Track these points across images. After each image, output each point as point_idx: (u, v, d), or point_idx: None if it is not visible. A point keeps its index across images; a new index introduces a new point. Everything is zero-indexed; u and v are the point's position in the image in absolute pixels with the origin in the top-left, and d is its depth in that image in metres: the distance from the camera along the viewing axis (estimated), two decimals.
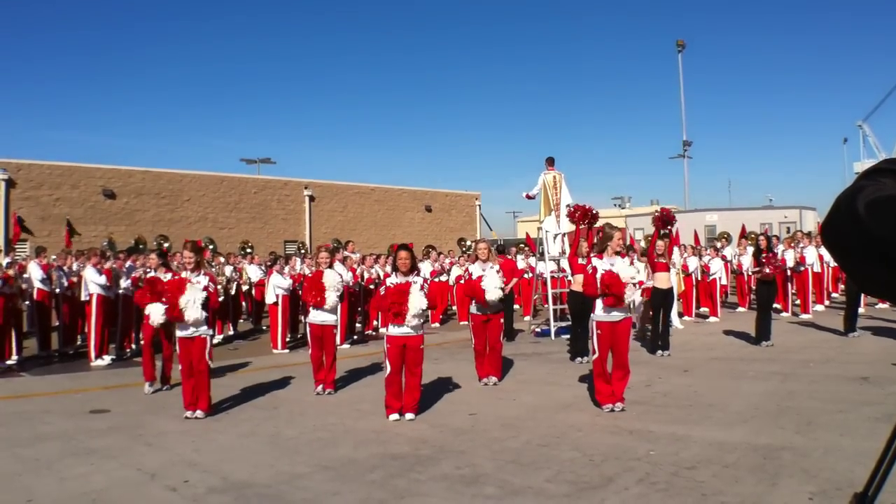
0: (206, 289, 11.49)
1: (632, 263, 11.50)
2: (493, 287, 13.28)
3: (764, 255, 17.67)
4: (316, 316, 13.18)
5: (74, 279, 18.86)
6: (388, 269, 14.17)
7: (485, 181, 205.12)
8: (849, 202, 1.59)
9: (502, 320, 13.97)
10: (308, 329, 13.57)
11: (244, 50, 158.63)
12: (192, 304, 11.30)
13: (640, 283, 12.00)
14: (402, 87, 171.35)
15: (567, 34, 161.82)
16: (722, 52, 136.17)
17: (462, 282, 15.73)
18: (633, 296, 11.22)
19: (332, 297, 13.03)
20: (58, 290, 18.84)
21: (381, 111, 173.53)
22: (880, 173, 1.64)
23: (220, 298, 11.54)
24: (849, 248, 1.61)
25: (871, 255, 1.53)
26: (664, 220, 17.64)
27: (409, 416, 10.90)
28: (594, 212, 17.97)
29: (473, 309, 13.78)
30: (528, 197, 21.66)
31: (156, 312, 11.98)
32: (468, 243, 31.08)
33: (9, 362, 16.84)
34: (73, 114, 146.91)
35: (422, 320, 11.09)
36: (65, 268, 19.28)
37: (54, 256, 20.36)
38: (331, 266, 13.65)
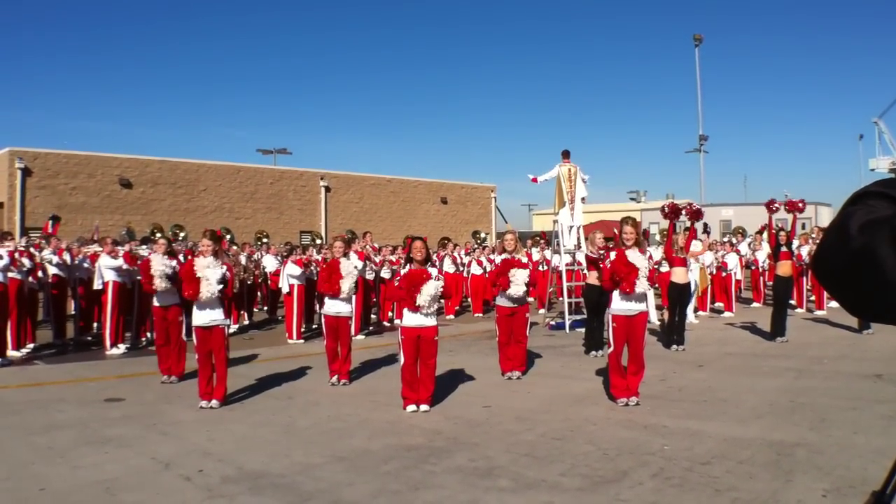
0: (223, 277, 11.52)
1: (649, 257, 11.49)
2: (520, 279, 13.28)
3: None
4: (331, 307, 13.19)
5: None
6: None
7: (500, 174, 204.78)
8: (840, 228, 1.59)
9: (528, 314, 13.88)
10: (323, 320, 13.59)
11: (261, 41, 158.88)
12: (209, 280, 11.32)
13: (651, 272, 11.88)
14: (419, 80, 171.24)
15: (584, 28, 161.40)
16: (739, 48, 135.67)
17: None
18: (644, 286, 11.16)
19: (346, 284, 13.05)
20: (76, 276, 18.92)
21: (398, 103, 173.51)
22: (868, 196, 1.64)
23: (234, 290, 11.54)
24: (840, 273, 1.61)
25: (866, 277, 1.52)
26: (694, 214, 17.54)
27: (423, 407, 10.90)
28: (696, 208, 17.83)
29: (499, 301, 13.70)
30: (534, 180, 21.58)
31: (157, 262, 12.04)
32: (483, 235, 31.06)
33: (24, 350, 16.88)
34: (90, 104, 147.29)
35: (435, 307, 11.07)
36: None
37: (75, 243, 20.43)
38: (346, 256, 13.66)
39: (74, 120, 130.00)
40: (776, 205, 18.47)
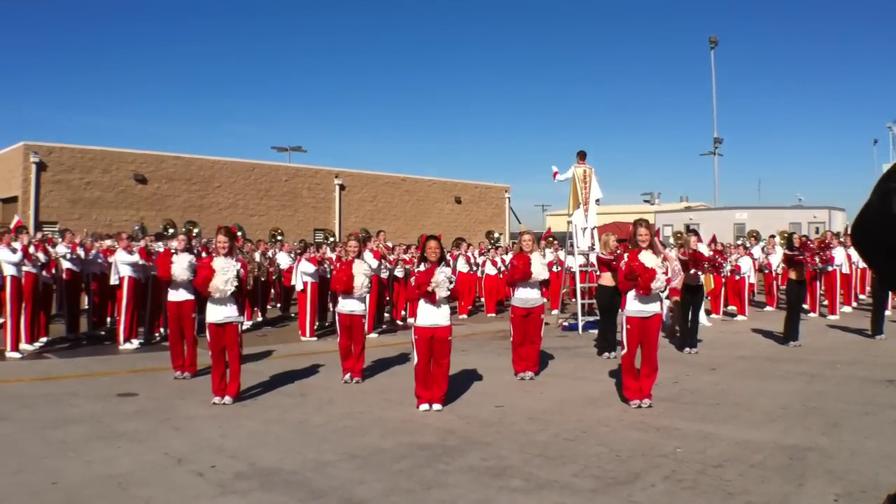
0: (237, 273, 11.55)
1: (664, 258, 11.46)
2: (539, 276, 13.31)
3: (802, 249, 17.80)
4: (345, 305, 13.23)
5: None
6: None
7: (514, 174, 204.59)
8: (882, 203, 1.61)
9: (542, 315, 13.85)
10: (337, 318, 13.62)
11: (277, 40, 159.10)
12: (224, 278, 11.36)
13: (668, 280, 11.89)
14: (434, 80, 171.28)
15: (599, 30, 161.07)
16: (754, 50, 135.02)
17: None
18: (660, 283, 11.15)
19: (360, 280, 13.06)
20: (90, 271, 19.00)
21: (413, 102, 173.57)
22: None
23: (248, 287, 11.57)
24: (881, 246, 1.63)
25: None
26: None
27: (436, 406, 10.92)
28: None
29: (514, 301, 13.70)
30: (555, 174, 21.55)
31: (179, 265, 12.06)
32: (496, 236, 31.08)
33: (37, 344, 16.95)
34: (106, 100, 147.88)
35: (447, 292, 11.02)
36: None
37: (90, 238, 20.51)
38: (359, 255, 13.69)
39: (90, 116, 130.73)
40: None
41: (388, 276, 21.56)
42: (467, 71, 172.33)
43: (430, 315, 10.99)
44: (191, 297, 13.25)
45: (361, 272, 13.13)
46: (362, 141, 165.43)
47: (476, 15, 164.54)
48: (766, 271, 26.62)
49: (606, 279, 15.62)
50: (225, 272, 11.35)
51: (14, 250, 15.65)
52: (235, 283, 11.46)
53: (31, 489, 7.38)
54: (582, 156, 21.14)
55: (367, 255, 15.76)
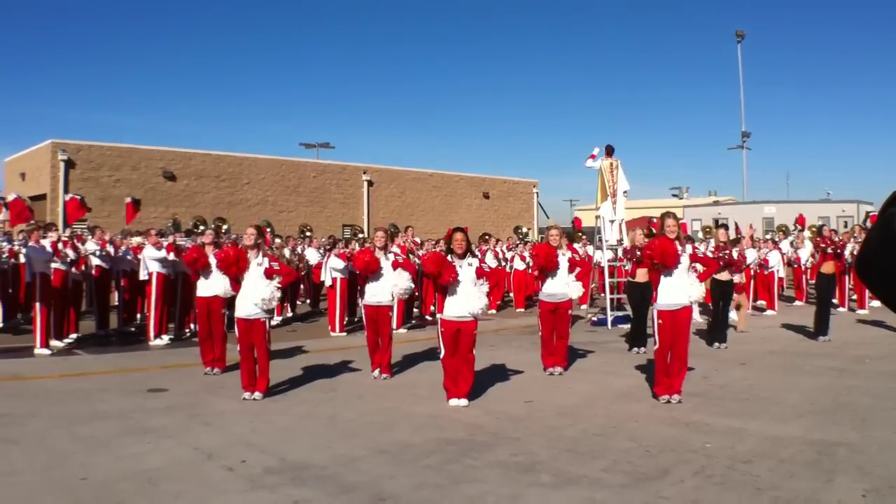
0: (270, 269, 11.62)
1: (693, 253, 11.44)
2: (561, 274, 13.32)
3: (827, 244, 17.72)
4: (371, 297, 13.27)
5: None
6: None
7: (542, 169, 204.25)
8: (884, 229, 1.62)
9: (570, 310, 13.86)
10: (363, 310, 13.65)
11: (304, 36, 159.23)
12: (259, 284, 11.46)
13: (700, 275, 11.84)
14: (461, 74, 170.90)
15: (627, 23, 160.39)
16: (782, 43, 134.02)
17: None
18: (690, 276, 11.12)
19: (404, 286, 13.13)
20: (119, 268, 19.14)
21: (440, 98, 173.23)
22: None
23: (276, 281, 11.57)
24: (886, 274, 1.64)
25: None
26: None
27: (462, 402, 10.92)
28: None
29: (542, 296, 13.67)
30: (592, 157, 21.50)
31: (218, 284, 12.09)
32: (525, 230, 31.04)
33: (67, 340, 17.07)
34: (133, 98, 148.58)
35: (483, 304, 11.10)
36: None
37: (118, 235, 20.69)
38: (385, 248, 13.72)
39: (117, 115, 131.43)
40: None
41: (417, 272, 21.58)
42: (495, 66, 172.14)
43: (456, 307, 11.01)
44: (220, 292, 13.32)
45: (405, 281, 13.18)
46: (390, 137, 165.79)
47: (504, 9, 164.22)
48: (796, 266, 26.50)
49: (641, 276, 15.58)
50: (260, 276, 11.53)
51: (43, 248, 15.76)
52: (276, 281, 11.60)
53: (60, 485, 7.43)
54: (610, 151, 21.12)
55: (395, 249, 15.72)
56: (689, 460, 8.03)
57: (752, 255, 23.50)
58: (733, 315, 20.02)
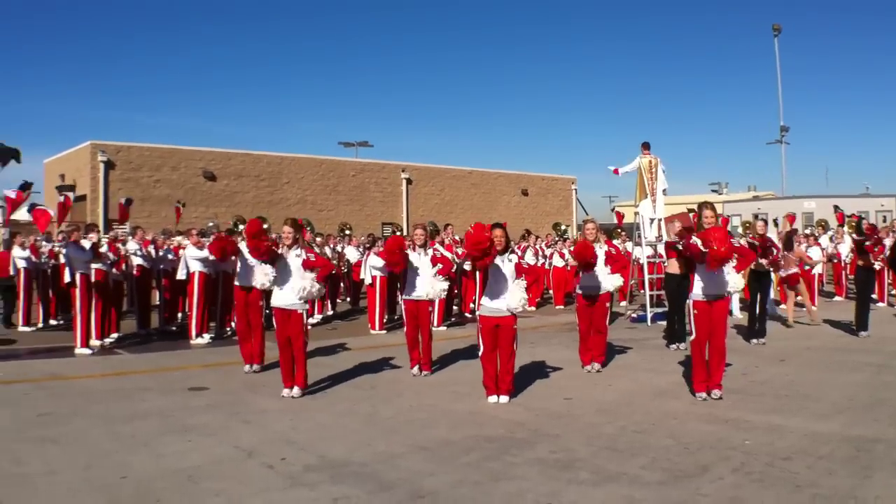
0: (308, 261, 11.70)
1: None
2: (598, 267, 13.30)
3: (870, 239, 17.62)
4: (411, 292, 13.36)
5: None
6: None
7: (581, 166, 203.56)
8: None
9: (608, 304, 13.83)
10: (403, 306, 13.74)
11: (343, 35, 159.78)
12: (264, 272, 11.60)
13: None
14: (498, 72, 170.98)
15: (663, 17, 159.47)
16: (819, 36, 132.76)
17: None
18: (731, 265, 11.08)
19: (439, 288, 13.20)
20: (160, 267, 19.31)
21: (478, 96, 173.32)
22: None
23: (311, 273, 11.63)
24: None
25: None
26: None
27: (502, 398, 10.95)
28: None
29: (579, 289, 13.62)
30: (616, 172, 21.53)
31: (261, 273, 12.20)
32: (564, 227, 30.99)
33: (108, 340, 17.25)
34: (172, 100, 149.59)
35: (522, 300, 11.10)
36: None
37: (160, 235, 20.87)
38: (424, 245, 13.79)
39: (157, 116, 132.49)
40: None
41: (456, 270, 21.60)
42: (532, 64, 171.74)
43: (494, 303, 11.01)
44: (257, 284, 13.37)
45: (440, 286, 13.24)
46: (428, 134, 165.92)
47: (541, 8, 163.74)
48: (835, 261, 26.31)
49: (673, 266, 15.51)
50: (266, 272, 11.62)
51: (83, 248, 15.90)
52: (271, 279, 11.71)
53: (100, 483, 7.49)
54: (646, 146, 21.04)
55: (430, 252, 15.70)
56: (729, 457, 8.02)
57: (816, 254, 23.27)
58: (779, 307, 19.95)
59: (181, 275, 17.66)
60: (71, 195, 21.10)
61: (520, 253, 18.90)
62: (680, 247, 11.51)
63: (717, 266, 10.71)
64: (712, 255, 10.57)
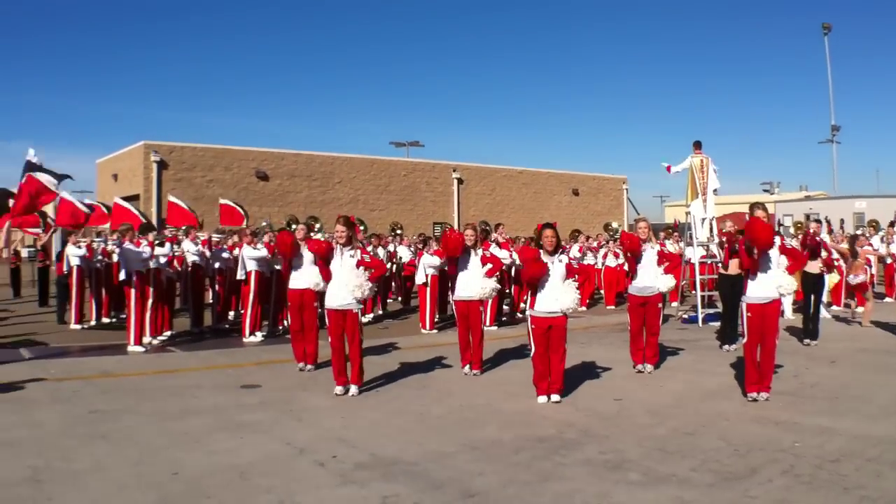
0: (362, 261, 11.79)
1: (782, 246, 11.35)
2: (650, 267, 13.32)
3: None
4: (462, 292, 13.40)
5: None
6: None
7: (632, 165, 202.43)
8: None
9: (660, 304, 13.76)
10: (454, 307, 13.81)
11: (394, 35, 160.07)
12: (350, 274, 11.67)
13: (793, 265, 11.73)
14: (548, 71, 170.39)
15: (713, 16, 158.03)
16: (870, 35, 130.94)
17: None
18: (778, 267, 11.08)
19: (489, 287, 13.28)
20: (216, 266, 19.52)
21: (528, 95, 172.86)
22: None
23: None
24: None
25: None
26: None
27: (554, 397, 10.98)
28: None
29: (631, 290, 13.56)
30: (668, 169, 21.47)
31: (310, 277, 12.27)
32: (615, 227, 30.93)
33: (161, 338, 17.43)
34: (225, 100, 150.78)
35: (574, 300, 11.14)
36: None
37: (216, 237, 21.11)
38: (475, 245, 13.78)
39: (210, 117, 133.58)
40: None
41: (508, 269, 21.64)
42: (583, 65, 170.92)
43: (546, 304, 11.02)
44: (311, 286, 13.45)
45: (490, 286, 13.33)
46: (479, 134, 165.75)
47: (592, 12, 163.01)
48: (889, 261, 26.04)
49: (733, 267, 15.43)
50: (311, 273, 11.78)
51: (137, 248, 16.08)
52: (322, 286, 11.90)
53: (150, 479, 7.59)
54: (697, 145, 20.99)
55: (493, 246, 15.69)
56: (778, 459, 8.02)
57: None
58: (824, 312, 19.82)
59: (240, 275, 17.82)
60: (121, 202, 21.46)
61: (577, 254, 18.83)
62: (737, 246, 11.52)
63: (763, 248, 10.81)
64: (753, 237, 10.71)
